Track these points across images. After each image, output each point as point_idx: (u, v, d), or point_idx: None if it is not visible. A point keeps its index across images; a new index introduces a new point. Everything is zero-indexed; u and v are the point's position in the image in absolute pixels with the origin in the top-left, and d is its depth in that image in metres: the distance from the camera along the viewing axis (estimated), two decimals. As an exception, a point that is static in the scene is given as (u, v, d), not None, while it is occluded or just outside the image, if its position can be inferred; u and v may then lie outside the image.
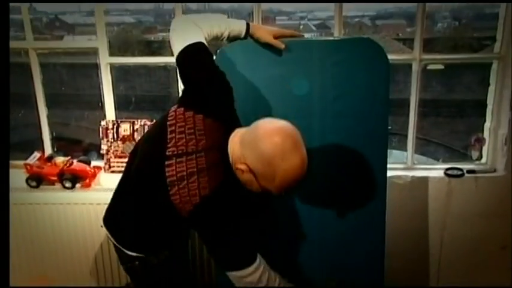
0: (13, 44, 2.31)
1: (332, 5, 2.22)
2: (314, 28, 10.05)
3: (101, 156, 2.46)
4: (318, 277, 1.85)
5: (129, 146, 2.36)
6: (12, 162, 2.40)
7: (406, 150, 2.42)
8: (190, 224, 1.40)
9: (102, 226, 1.58)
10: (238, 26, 1.59)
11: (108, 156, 2.40)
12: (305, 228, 1.82)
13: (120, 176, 1.56)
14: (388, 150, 1.79)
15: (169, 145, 1.33)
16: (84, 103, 7.04)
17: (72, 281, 2.39)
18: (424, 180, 2.34)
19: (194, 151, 1.31)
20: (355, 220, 1.80)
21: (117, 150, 2.39)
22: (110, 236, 1.55)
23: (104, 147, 2.40)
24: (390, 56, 1.72)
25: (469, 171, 2.33)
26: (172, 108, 1.39)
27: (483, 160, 2.41)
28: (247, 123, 1.43)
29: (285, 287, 1.50)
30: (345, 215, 1.81)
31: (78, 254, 2.35)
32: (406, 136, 2.39)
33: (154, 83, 8.08)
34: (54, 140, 2.58)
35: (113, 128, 2.39)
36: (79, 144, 6.32)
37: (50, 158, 2.41)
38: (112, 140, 2.39)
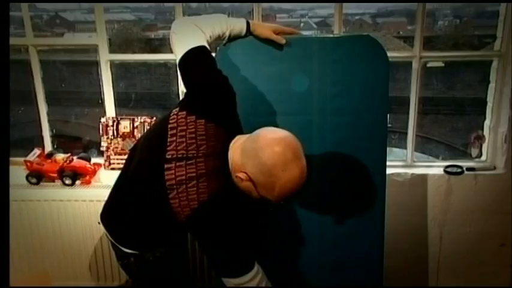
0: (13, 41, 2.31)
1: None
2: (315, 26, 10.04)
3: (101, 153, 2.46)
4: (317, 276, 1.86)
5: (129, 143, 2.36)
6: (12, 159, 2.40)
7: (406, 148, 2.42)
8: (187, 229, 1.40)
9: (99, 223, 1.58)
10: (238, 25, 1.60)
11: (108, 153, 2.41)
12: (304, 227, 1.82)
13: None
14: (389, 148, 1.79)
15: (169, 148, 1.33)
16: (84, 100, 7.04)
17: (72, 278, 2.39)
18: (424, 177, 2.34)
19: (194, 156, 1.30)
20: (355, 218, 1.80)
21: (117, 147, 2.40)
22: (106, 232, 1.56)
23: (103, 144, 2.40)
24: (390, 54, 1.72)
25: (469, 169, 2.33)
26: (174, 111, 1.39)
27: (483, 158, 2.41)
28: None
29: None
30: (344, 213, 1.81)
31: (78, 250, 2.35)
32: (406, 134, 2.39)
33: (155, 80, 8.07)
34: (54, 137, 2.59)
35: (112, 125, 2.39)
36: (79, 141, 6.32)
37: (50, 155, 2.41)
38: (112, 137, 2.39)
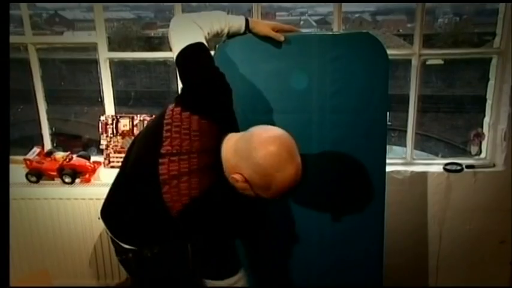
0: (12, 39, 2.31)
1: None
2: (314, 24, 10.03)
3: (100, 152, 2.46)
4: (317, 275, 1.86)
5: (129, 141, 2.36)
6: (12, 157, 2.40)
7: (405, 146, 2.42)
8: (180, 224, 1.40)
9: (99, 218, 1.59)
10: (237, 22, 1.59)
11: (108, 152, 2.41)
12: (303, 226, 1.82)
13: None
14: (389, 146, 1.78)
15: (164, 143, 1.33)
16: (83, 98, 7.04)
17: (72, 276, 2.39)
18: (423, 175, 2.34)
19: (188, 152, 1.30)
20: (354, 216, 1.80)
21: (116, 146, 2.40)
22: (105, 227, 1.56)
23: (103, 142, 2.40)
24: (390, 51, 1.72)
25: (468, 166, 2.33)
26: (170, 107, 1.39)
27: (482, 155, 2.41)
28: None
29: None
30: (343, 211, 1.81)
31: (78, 248, 2.35)
32: (406, 132, 2.39)
33: (154, 78, 8.07)
34: (54, 135, 2.59)
35: (112, 123, 2.39)
36: (79, 140, 6.33)
37: (49, 153, 2.41)
38: (111, 135, 2.39)
